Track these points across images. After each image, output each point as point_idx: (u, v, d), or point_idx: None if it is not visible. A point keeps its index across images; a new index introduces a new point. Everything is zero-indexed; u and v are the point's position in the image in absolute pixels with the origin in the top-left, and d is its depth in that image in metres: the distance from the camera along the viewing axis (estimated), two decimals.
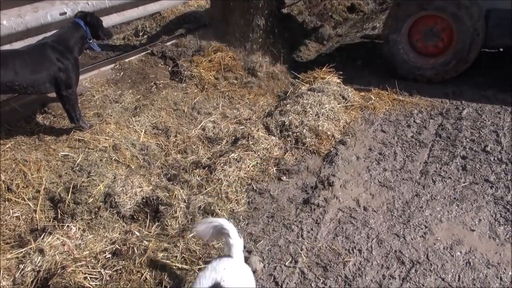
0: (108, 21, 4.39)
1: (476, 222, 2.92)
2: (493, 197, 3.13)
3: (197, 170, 3.45)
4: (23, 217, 2.91)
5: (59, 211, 2.95)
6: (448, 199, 3.15)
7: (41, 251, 2.62)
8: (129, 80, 4.47)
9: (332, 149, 3.80)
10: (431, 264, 2.62)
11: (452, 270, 2.57)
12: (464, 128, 3.94)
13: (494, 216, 2.96)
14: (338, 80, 4.70)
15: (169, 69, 4.78)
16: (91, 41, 3.55)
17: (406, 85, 4.77)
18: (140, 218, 3.00)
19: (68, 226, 2.85)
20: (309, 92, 4.36)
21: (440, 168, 3.47)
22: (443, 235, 2.84)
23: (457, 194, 3.19)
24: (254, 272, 2.62)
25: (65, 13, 3.87)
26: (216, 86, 4.71)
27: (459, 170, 3.44)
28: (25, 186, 3.02)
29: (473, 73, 4.79)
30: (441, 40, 4.75)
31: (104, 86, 4.26)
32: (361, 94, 4.63)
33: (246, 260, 2.68)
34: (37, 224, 2.89)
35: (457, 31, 4.58)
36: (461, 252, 2.70)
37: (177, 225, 2.94)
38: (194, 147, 3.85)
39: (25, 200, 2.98)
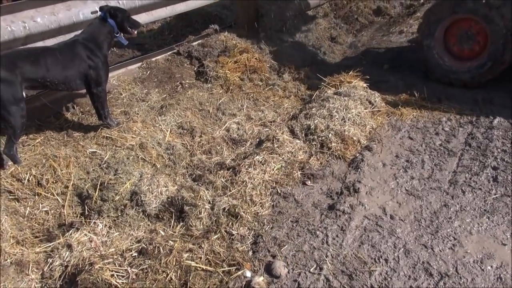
0: (137, 20, 4.42)
1: (508, 236, 2.83)
2: None
3: (222, 171, 3.45)
4: (52, 211, 2.97)
5: (86, 207, 3.00)
6: (478, 211, 3.07)
7: (69, 246, 2.66)
8: (156, 79, 4.51)
9: (358, 154, 3.75)
10: (460, 278, 2.55)
11: (483, 285, 2.50)
12: (495, 138, 3.82)
13: None
14: (365, 85, 4.64)
15: (195, 69, 4.81)
16: (118, 35, 3.56)
17: (434, 91, 4.68)
18: (165, 218, 3.02)
19: (94, 222, 2.89)
20: (335, 96, 4.31)
21: (470, 178, 3.38)
22: (473, 248, 2.76)
23: (487, 206, 3.10)
24: (278, 277, 2.60)
25: (97, 11, 3.90)
26: (241, 87, 4.70)
27: (490, 181, 3.34)
28: (54, 181, 3.08)
29: (503, 79, 4.66)
30: (477, 43, 4.66)
31: (131, 85, 4.31)
32: (388, 99, 4.55)
33: (270, 264, 2.67)
34: (65, 219, 2.95)
35: (490, 32, 4.49)
36: (492, 266, 2.62)
37: (201, 226, 2.94)
38: (218, 148, 3.86)
39: (54, 195, 3.04)
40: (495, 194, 3.20)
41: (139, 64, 4.60)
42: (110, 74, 4.22)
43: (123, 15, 3.58)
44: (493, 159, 3.58)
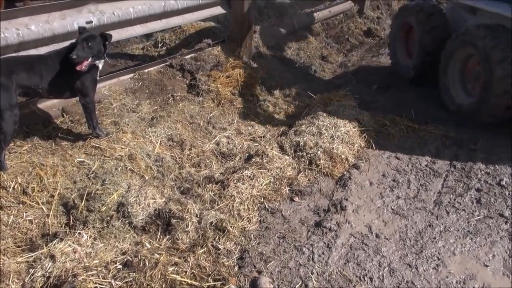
0: (131, 32, 4.44)
1: (490, 258, 2.89)
2: (508, 232, 3.10)
3: (210, 185, 3.45)
4: (36, 221, 2.93)
5: (71, 218, 2.96)
6: (461, 232, 3.12)
7: (52, 257, 2.62)
8: (147, 91, 4.52)
9: (345, 172, 3.79)
10: None
11: None
12: (479, 160, 3.91)
13: (508, 252, 2.92)
14: (354, 104, 4.72)
15: (187, 82, 4.83)
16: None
17: (421, 113, 4.77)
18: (151, 230, 3.00)
19: (79, 233, 2.85)
20: (324, 114, 4.37)
21: (454, 199, 3.45)
22: (456, 269, 2.80)
23: (470, 227, 3.16)
24: None
25: (91, 21, 3.93)
26: (232, 102, 4.74)
27: (473, 202, 3.41)
28: (40, 190, 3.04)
29: None
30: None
31: (122, 95, 4.31)
32: (376, 119, 4.63)
33: (256, 280, 2.66)
34: (49, 229, 2.90)
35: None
36: (474, 287, 2.66)
37: (187, 240, 2.93)
38: (207, 161, 3.87)
39: (39, 204, 3.00)
40: (478, 216, 3.27)
41: (131, 75, 4.61)
42: (102, 84, 4.23)
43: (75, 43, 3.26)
44: (476, 181, 3.65)
